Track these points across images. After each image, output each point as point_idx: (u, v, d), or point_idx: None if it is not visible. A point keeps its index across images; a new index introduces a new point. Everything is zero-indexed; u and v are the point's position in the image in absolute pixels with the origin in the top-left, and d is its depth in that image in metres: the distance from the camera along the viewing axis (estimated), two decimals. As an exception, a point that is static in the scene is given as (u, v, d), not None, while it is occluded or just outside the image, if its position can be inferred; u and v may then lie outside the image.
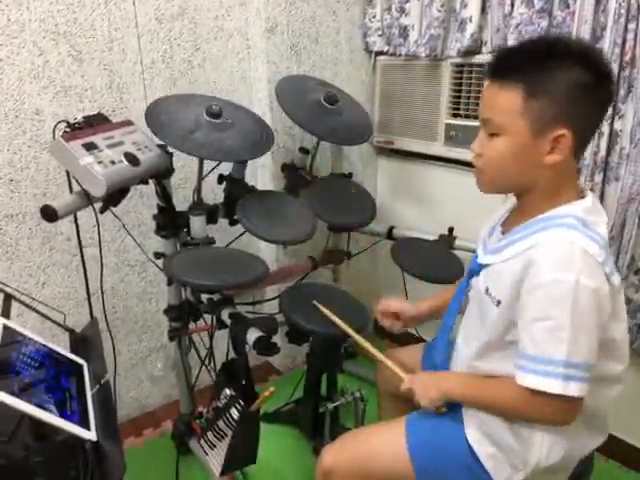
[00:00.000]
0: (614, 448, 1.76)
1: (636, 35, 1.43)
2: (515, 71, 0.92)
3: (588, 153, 1.56)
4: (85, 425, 0.88)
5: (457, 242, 1.89)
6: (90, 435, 0.87)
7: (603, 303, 0.89)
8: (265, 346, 1.31)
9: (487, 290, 1.02)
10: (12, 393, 0.79)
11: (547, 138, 0.92)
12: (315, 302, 1.48)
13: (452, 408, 1.13)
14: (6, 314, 1.04)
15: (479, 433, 1.07)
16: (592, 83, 0.89)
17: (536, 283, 0.90)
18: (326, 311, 1.45)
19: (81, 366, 1.04)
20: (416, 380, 1.15)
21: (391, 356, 1.33)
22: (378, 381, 1.52)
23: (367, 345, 1.34)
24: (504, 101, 0.93)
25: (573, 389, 0.89)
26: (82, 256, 1.46)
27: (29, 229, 1.71)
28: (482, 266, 1.07)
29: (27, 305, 1.12)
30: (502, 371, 1.01)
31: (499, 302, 0.99)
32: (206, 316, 1.65)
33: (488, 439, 1.06)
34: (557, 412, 0.95)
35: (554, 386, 0.89)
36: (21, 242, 1.70)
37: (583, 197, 0.98)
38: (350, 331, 1.38)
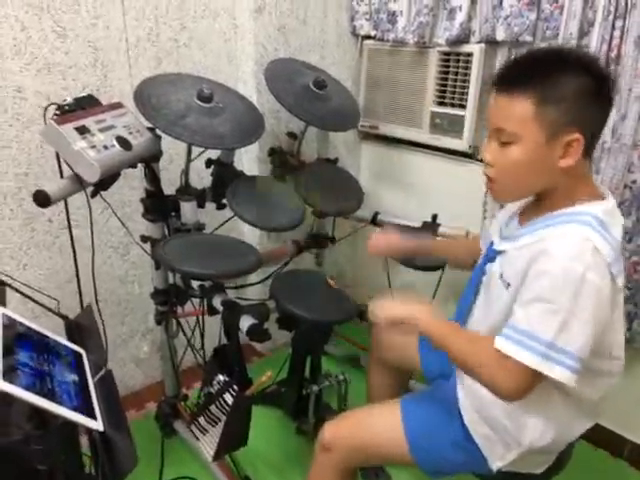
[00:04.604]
0: (603, 437, 1.83)
1: (622, 33, 1.47)
2: (525, 80, 0.95)
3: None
4: (91, 415, 0.88)
5: (440, 229, 1.92)
6: (97, 425, 0.87)
7: (603, 303, 0.92)
8: (258, 333, 1.33)
9: (501, 275, 1.06)
10: (20, 385, 0.79)
11: (560, 143, 0.95)
12: (328, 278, 1.63)
13: (448, 389, 1.18)
14: (2, 302, 1.02)
15: (474, 413, 1.12)
16: (597, 88, 0.93)
17: (544, 269, 0.92)
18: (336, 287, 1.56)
19: (80, 355, 1.04)
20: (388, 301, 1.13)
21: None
22: (372, 347, 1.59)
23: None
24: (517, 109, 0.95)
25: (552, 369, 0.90)
26: (72, 240, 1.43)
27: (10, 210, 1.66)
28: (498, 252, 1.10)
29: (22, 293, 1.10)
30: None
31: (509, 285, 1.02)
32: (194, 299, 1.65)
33: (483, 419, 1.11)
34: (518, 385, 0.94)
35: (531, 360, 0.91)
36: (2, 223, 1.65)
37: (603, 198, 1.01)
38: None
